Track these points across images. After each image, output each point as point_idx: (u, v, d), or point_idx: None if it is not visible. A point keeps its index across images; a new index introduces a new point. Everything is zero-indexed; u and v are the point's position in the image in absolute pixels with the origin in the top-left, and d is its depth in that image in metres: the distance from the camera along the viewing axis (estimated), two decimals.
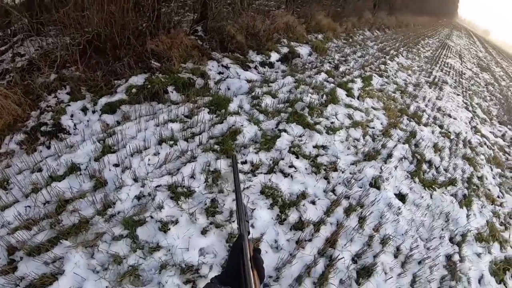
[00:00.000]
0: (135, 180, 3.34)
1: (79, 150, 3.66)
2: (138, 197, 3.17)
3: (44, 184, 3.20)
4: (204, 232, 2.99)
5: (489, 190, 5.56)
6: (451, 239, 4.09)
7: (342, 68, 8.32)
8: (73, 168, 3.41)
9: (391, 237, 3.64)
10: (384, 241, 3.57)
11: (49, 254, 2.59)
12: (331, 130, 5.16)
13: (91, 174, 3.35)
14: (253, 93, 5.46)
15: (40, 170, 3.39)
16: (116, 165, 3.50)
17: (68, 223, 2.84)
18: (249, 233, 0.98)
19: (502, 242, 4.42)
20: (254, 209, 3.34)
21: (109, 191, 3.19)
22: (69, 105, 4.27)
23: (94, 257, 2.63)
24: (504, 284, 3.88)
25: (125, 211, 3.00)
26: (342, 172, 4.33)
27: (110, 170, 3.42)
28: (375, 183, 4.32)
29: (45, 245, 2.64)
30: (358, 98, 6.81)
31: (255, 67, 6.62)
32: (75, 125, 4.08)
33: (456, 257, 3.81)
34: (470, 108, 9.92)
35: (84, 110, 4.27)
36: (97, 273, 2.53)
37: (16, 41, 5.44)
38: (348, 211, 3.75)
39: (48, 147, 3.77)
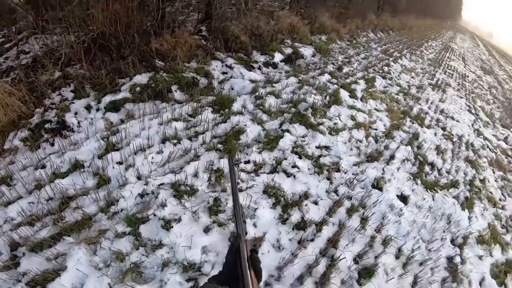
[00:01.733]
0: (139, 178, 3.36)
1: (82, 147, 3.68)
2: (141, 195, 3.18)
3: (48, 181, 3.22)
4: (206, 230, 3.00)
5: (491, 193, 5.56)
6: (452, 241, 4.09)
7: (345, 70, 8.34)
8: (77, 165, 3.43)
9: (392, 238, 3.64)
10: (385, 242, 3.58)
11: (51, 250, 2.60)
12: (334, 131, 5.17)
13: (94, 171, 3.37)
14: (257, 93, 5.47)
15: (43, 166, 3.41)
16: (120, 163, 3.52)
17: (71, 220, 2.85)
18: (246, 233, 0.99)
19: (503, 245, 4.42)
20: (257, 208, 3.34)
21: (113, 188, 3.20)
22: (73, 102, 4.29)
23: (97, 253, 2.64)
24: (505, 287, 3.87)
25: (128, 209, 3.01)
26: (345, 173, 4.34)
27: (113, 167, 3.44)
28: (377, 184, 4.33)
29: (48, 241, 2.66)
30: (361, 100, 6.82)
31: (259, 68, 6.64)
32: (79, 122, 4.10)
33: (457, 259, 3.82)
34: (473, 111, 9.92)
35: (88, 108, 4.29)
36: (100, 270, 2.53)
37: (21, 39, 5.46)
38: (350, 212, 3.75)
39: (52, 144, 3.78)
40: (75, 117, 4.14)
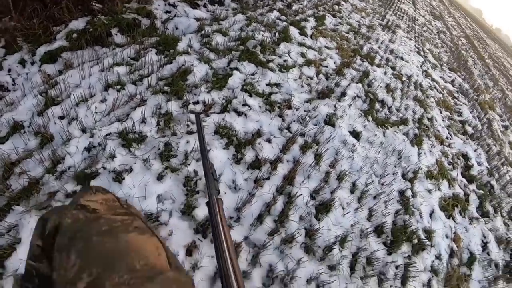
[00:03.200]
0: (83, 131, 3.16)
1: (20, 106, 3.39)
2: (88, 149, 3.01)
3: None
4: (160, 177, 2.92)
5: (438, 131, 5.84)
6: (403, 176, 4.30)
7: (295, 7, 8.15)
8: (16, 127, 3.16)
9: (347, 173, 3.75)
10: (340, 177, 3.68)
11: (2, 224, 2.43)
12: (284, 68, 5.11)
13: (35, 130, 3.12)
14: (203, 32, 5.23)
15: None
16: (62, 118, 3.28)
17: (18, 187, 2.66)
18: (218, 192, 0.95)
19: (450, 180, 4.71)
20: (209, 149, 3.28)
21: (57, 146, 3.00)
22: (5, 59, 3.94)
23: None
24: (453, 219, 4.15)
25: (76, 165, 2.84)
26: (297, 110, 4.34)
27: (55, 123, 3.20)
28: (330, 121, 4.37)
29: None
30: (311, 37, 6.75)
31: (204, 5, 6.32)
32: (13, 80, 3.78)
33: (408, 193, 4.02)
34: (422, 53, 10.16)
35: (22, 62, 3.95)
36: None
37: None
38: (304, 148, 3.79)
39: None
40: (9, 74, 3.81)
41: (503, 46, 37.06)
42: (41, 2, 4.54)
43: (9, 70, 3.86)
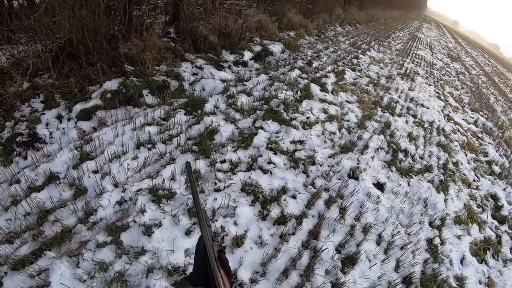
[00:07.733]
0: (116, 185, 3.31)
1: (56, 158, 3.59)
2: (119, 203, 3.14)
3: (24, 196, 3.12)
4: (188, 232, 3.00)
5: (464, 174, 5.74)
6: (430, 224, 4.23)
7: (315, 64, 8.42)
8: (52, 178, 3.35)
9: (372, 225, 3.74)
10: (366, 230, 3.67)
11: (33, 267, 2.53)
12: (307, 125, 5.24)
13: (70, 182, 3.29)
14: (228, 93, 5.47)
15: (18, 181, 3.30)
16: (95, 172, 3.45)
17: (50, 234, 2.79)
18: (213, 238, 1.02)
19: (480, 224, 4.60)
20: (236, 206, 3.37)
21: (90, 198, 3.14)
22: (43, 113, 4.18)
23: (80, 266, 2.59)
24: (486, 263, 4.02)
25: (108, 218, 2.97)
26: (321, 166, 4.41)
27: (89, 177, 3.37)
28: (353, 174, 4.42)
29: (29, 257, 2.58)
30: (332, 93, 6.92)
31: (229, 67, 6.63)
32: (51, 133, 4.00)
33: (437, 241, 3.95)
34: (442, 97, 10.16)
35: (59, 118, 4.19)
36: (84, 282, 2.49)
37: None
38: (328, 203, 3.83)
39: (25, 158, 3.67)
40: (47, 128, 4.04)
41: None
42: (77, 63, 4.85)
43: (47, 124, 4.08)
